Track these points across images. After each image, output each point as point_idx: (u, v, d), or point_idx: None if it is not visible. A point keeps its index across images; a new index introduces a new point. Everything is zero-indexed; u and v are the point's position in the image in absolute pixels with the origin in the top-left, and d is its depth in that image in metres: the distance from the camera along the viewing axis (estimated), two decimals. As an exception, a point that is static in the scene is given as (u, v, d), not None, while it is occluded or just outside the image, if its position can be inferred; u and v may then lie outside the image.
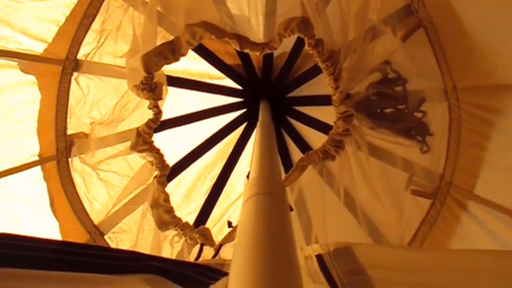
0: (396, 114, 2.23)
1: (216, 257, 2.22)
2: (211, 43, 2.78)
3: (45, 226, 2.61)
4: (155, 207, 2.33)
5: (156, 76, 2.22)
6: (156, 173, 2.42)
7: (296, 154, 3.11)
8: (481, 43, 2.32)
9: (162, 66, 2.21)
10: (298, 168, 2.35)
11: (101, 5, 2.55)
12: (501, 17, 2.24)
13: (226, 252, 2.37)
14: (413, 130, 2.28)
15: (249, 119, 3.12)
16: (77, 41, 2.58)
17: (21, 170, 2.53)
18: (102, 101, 2.66)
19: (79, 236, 2.68)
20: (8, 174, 2.49)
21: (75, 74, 2.63)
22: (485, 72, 2.36)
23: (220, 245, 2.33)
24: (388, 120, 2.21)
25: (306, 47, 2.26)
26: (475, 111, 2.41)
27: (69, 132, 2.66)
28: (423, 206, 2.57)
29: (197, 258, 2.34)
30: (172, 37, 2.39)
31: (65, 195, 2.65)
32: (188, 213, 3.04)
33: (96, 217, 2.73)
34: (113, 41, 2.62)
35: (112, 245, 2.71)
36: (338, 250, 1.45)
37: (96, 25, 2.59)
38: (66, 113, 2.63)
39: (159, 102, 2.31)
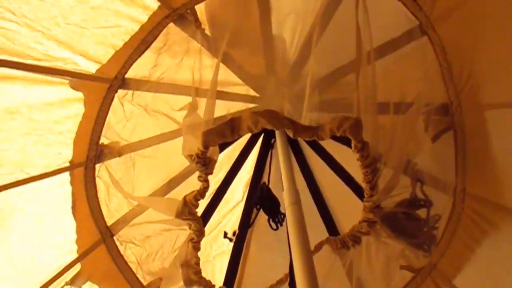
0: (415, 230, 2.47)
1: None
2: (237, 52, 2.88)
3: (66, 227, 2.78)
4: (185, 267, 2.52)
5: (210, 150, 2.34)
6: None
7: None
8: (502, 167, 2.55)
9: (219, 142, 2.31)
10: (317, 249, 2.58)
11: (160, 33, 2.58)
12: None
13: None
14: (424, 244, 2.55)
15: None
16: (129, 63, 2.62)
17: (52, 175, 2.64)
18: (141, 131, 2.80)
19: (91, 235, 2.87)
20: (40, 179, 2.60)
21: (120, 91, 2.70)
22: (497, 191, 2.61)
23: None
24: (407, 235, 2.46)
25: (352, 148, 2.39)
26: (475, 217, 2.69)
27: (101, 141, 2.77)
28: (406, 278, 2.90)
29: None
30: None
31: (87, 199, 2.80)
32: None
33: (110, 219, 2.92)
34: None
35: (121, 248, 2.92)
36: None
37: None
38: (103, 126, 2.72)
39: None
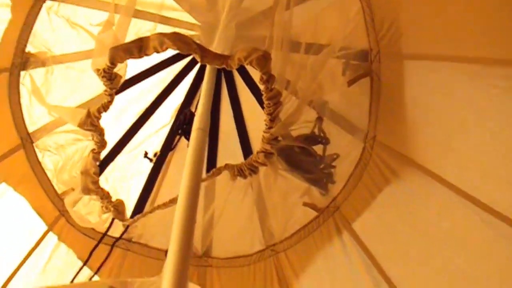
0: (309, 166, 2.54)
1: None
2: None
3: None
4: (84, 175, 2.62)
5: (118, 66, 2.40)
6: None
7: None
8: (411, 119, 2.64)
9: (126, 59, 2.36)
10: (215, 173, 2.66)
11: None
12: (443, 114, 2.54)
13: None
14: (320, 181, 2.63)
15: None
16: (57, -26, 2.68)
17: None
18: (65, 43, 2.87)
19: (11, 139, 2.95)
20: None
21: (48, 2, 2.75)
22: (404, 142, 2.69)
23: (127, 226, 2.71)
24: (301, 170, 2.54)
25: (259, 79, 2.44)
26: (381, 165, 2.77)
27: (28, 50, 2.83)
28: (309, 216, 3.01)
29: (106, 231, 2.73)
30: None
31: (9, 103, 2.88)
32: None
33: (32, 127, 2.99)
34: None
35: (40, 155, 3.01)
36: None
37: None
38: (29, 34, 2.78)
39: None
